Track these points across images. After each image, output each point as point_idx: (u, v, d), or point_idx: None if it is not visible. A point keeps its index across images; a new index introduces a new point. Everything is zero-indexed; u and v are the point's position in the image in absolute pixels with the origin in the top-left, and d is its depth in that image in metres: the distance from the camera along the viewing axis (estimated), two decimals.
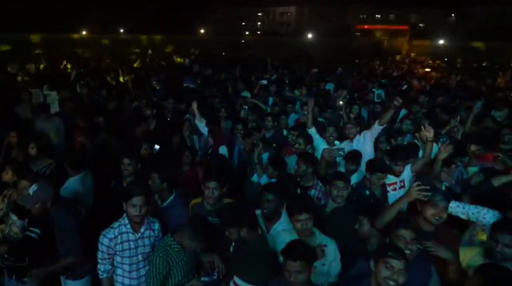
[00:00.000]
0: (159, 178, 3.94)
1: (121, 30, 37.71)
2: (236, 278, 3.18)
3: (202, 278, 3.15)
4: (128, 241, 3.35)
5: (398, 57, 25.78)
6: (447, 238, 3.28)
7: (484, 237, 3.40)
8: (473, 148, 5.44)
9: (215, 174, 3.70)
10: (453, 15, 53.30)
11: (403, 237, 2.95)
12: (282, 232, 3.38)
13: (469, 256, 3.10)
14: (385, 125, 5.64)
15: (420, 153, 5.31)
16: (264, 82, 10.36)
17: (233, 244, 3.28)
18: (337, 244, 3.45)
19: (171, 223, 3.67)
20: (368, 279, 2.70)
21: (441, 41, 34.07)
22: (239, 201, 3.71)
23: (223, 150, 5.68)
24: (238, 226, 3.06)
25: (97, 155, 5.48)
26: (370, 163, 4.60)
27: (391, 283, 2.55)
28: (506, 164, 4.95)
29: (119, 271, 3.40)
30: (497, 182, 4.17)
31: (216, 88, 9.87)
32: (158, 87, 9.94)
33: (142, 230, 3.39)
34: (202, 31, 53.54)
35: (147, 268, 3.37)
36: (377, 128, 5.70)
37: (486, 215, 3.49)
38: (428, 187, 3.29)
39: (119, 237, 3.33)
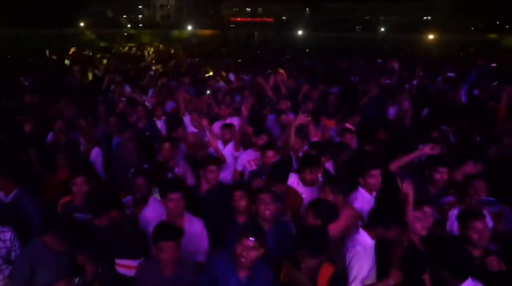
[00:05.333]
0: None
1: None
2: (118, 260, 2.99)
3: (74, 280, 2.87)
4: None
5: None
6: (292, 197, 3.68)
7: None
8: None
9: (82, 170, 3.43)
10: (307, 9, 56.94)
11: (263, 199, 3.13)
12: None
13: None
14: None
15: None
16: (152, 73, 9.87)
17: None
18: (205, 222, 3.40)
19: (21, 220, 3.29)
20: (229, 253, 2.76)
21: (300, 32, 36.40)
22: (100, 187, 3.44)
23: (95, 151, 5.13)
24: (107, 210, 2.90)
25: None
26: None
27: (242, 259, 2.61)
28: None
29: None
30: None
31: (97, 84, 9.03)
32: (26, 84, 8.67)
33: None
34: (81, 24, 48.46)
35: (1, 283, 2.95)
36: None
37: None
38: None
39: None
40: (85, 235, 2.93)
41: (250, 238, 2.59)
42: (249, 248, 2.59)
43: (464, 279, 2.45)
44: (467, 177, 3.64)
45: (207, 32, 35.42)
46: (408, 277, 2.73)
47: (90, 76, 10.20)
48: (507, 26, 42.45)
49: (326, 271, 2.61)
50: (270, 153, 4.13)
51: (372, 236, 2.90)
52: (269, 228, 3.10)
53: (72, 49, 12.54)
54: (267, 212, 3.09)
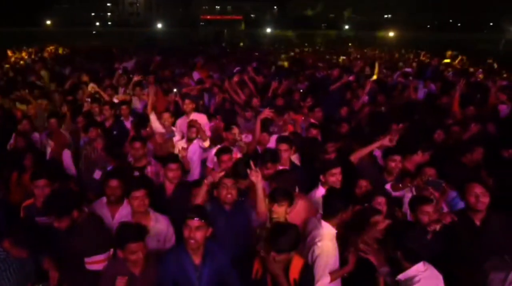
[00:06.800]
0: None
1: None
2: (87, 259, 2.91)
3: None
4: None
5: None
6: None
7: None
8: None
9: (43, 172, 3.26)
10: (275, 7, 56.80)
11: (225, 184, 3.16)
12: None
13: None
14: None
15: None
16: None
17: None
18: (173, 221, 3.29)
19: None
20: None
21: (268, 30, 36.39)
22: (57, 189, 3.30)
23: (66, 154, 4.94)
24: (68, 212, 2.79)
25: None
26: None
27: (191, 241, 2.59)
28: None
29: None
30: None
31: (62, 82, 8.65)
32: None
33: None
34: (48, 22, 46.29)
35: None
36: None
37: None
38: None
39: None
40: (48, 239, 2.80)
41: (195, 218, 2.58)
42: (195, 228, 2.57)
43: (416, 261, 2.52)
44: (419, 166, 3.79)
45: (176, 30, 34.65)
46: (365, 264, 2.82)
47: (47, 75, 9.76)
48: (459, 24, 44.34)
49: (297, 264, 2.64)
50: (225, 157, 4.04)
51: (333, 225, 2.96)
52: (230, 209, 3.19)
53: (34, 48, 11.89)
54: (229, 196, 3.15)
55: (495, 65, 12.83)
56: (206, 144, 4.83)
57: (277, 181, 3.35)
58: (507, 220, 2.99)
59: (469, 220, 3.13)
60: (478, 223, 3.11)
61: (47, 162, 4.35)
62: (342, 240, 2.98)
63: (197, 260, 2.66)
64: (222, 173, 3.33)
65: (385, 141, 4.08)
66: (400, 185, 3.73)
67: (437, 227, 3.02)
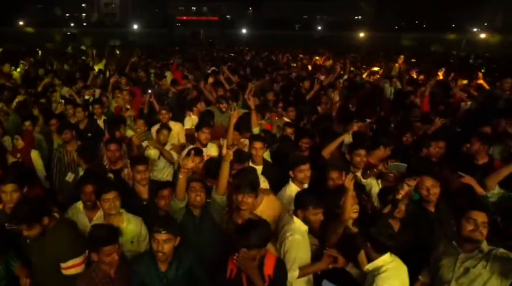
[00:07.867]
0: None
1: None
2: (63, 264, 2.79)
3: None
4: None
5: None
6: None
7: None
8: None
9: (11, 176, 3.11)
10: (250, 8, 56.55)
11: (194, 187, 3.12)
12: None
13: None
14: None
15: None
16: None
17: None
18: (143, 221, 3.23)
19: None
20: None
21: (244, 31, 36.29)
22: (24, 198, 3.16)
23: (34, 153, 4.78)
24: (38, 219, 2.69)
25: None
26: None
27: (159, 254, 2.54)
28: None
29: None
30: None
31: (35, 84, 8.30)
32: None
33: None
34: (21, 23, 44.29)
35: None
36: None
37: None
38: None
39: None
40: (19, 245, 2.68)
41: (162, 232, 2.52)
42: (162, 242, 2.52)
43: (383, 252, 2.55)
44: (382, 161, 3.88)
45: (152, 30, 33.96)
46: (345, 258, 2.82)
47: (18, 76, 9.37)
48: (424, 26, 45.66)
49: (271, 260, 2.64)
50: (195, 159, 3.83)
51: (303, 220, 2.95)
52: (198, 214, 3.15)
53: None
54: (198, 198, 3.10)
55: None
56: (174, 158, 4.71)
57: (239, 177, 3.30)
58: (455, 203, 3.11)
59: (423, 208, 3.27)
60: (432, 209, 3.24)
61: (15, 165, 4.14)
62: (321, 239, 3.00)
63: (163, 267, 2.63)
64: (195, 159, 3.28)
65: (352, 127, 4.14)
66: (368, 172, 3.83)
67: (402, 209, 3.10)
